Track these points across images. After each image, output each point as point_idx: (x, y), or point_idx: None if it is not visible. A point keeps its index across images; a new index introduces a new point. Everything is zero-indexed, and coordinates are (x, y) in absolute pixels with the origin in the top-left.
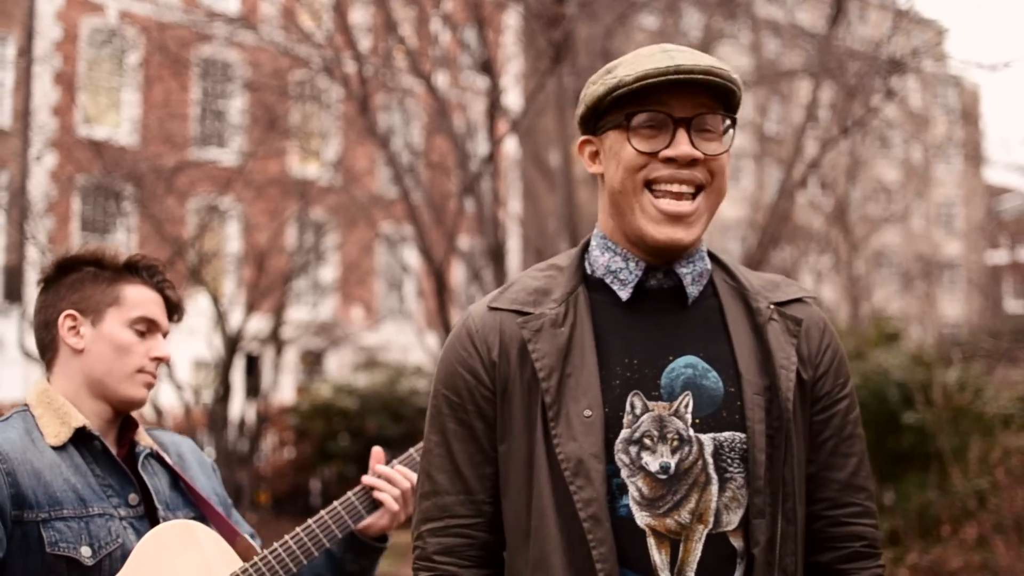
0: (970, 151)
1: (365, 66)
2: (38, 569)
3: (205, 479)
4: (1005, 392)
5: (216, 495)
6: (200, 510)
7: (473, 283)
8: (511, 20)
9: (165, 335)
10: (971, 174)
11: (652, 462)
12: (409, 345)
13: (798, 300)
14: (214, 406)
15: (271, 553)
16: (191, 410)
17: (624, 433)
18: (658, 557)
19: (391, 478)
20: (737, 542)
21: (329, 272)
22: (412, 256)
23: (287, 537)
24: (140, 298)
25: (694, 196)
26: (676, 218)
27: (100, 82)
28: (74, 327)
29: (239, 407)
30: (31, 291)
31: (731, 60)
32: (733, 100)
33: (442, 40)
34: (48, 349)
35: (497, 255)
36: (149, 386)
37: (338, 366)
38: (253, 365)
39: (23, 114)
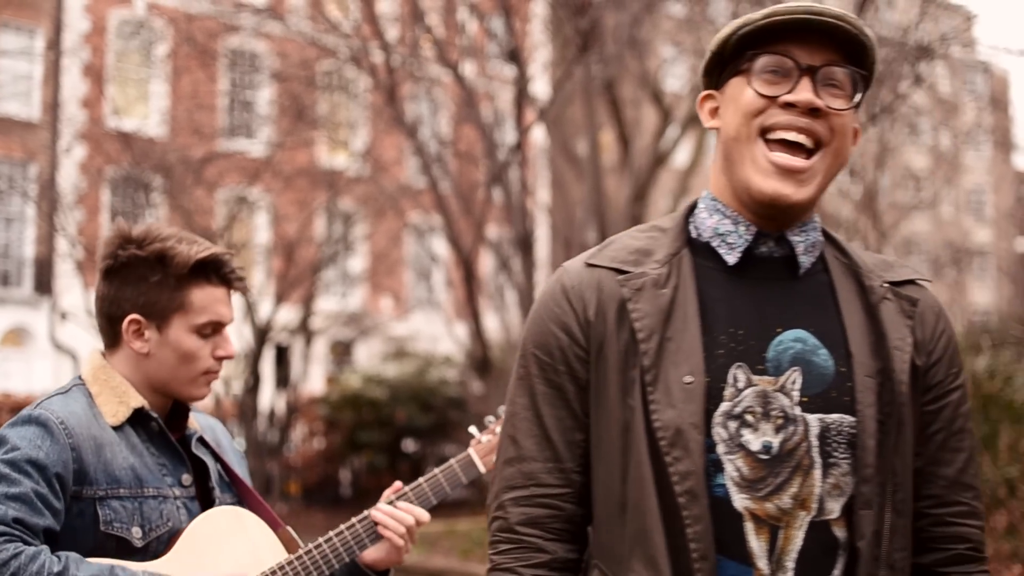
0: (999, 137)
1: (392, 56)
2: (88, 545)
3: (238, 466)
4: None
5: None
6: (242, 496)
7: (501, 272)
8: (538, 9)
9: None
10: (1001, 160)
11: (753, 440)
12: (438, 335)
13: (911, 282)
14: (244, 397)
15: (297, 560)
16: (221, 401)
17: (724, 406)
18: (756, 544)
19: (395, 516)
20: (840, 532)
21: (358, 262)
22: (441, 246)
23: (311, 546)
24: (207, 301)
25: (810, 154)
26: (787, 172)
27: (128, 74)
28: (138, 331)
29: (269, 398)
30: (61, 283)
31: None
32: (866, 59)
33: (469, 29)
34: (110, 338)
35: (525, 244)
36: (211, 383)
37: (367, 356)
38: (283, 356)
39: (52, 107)
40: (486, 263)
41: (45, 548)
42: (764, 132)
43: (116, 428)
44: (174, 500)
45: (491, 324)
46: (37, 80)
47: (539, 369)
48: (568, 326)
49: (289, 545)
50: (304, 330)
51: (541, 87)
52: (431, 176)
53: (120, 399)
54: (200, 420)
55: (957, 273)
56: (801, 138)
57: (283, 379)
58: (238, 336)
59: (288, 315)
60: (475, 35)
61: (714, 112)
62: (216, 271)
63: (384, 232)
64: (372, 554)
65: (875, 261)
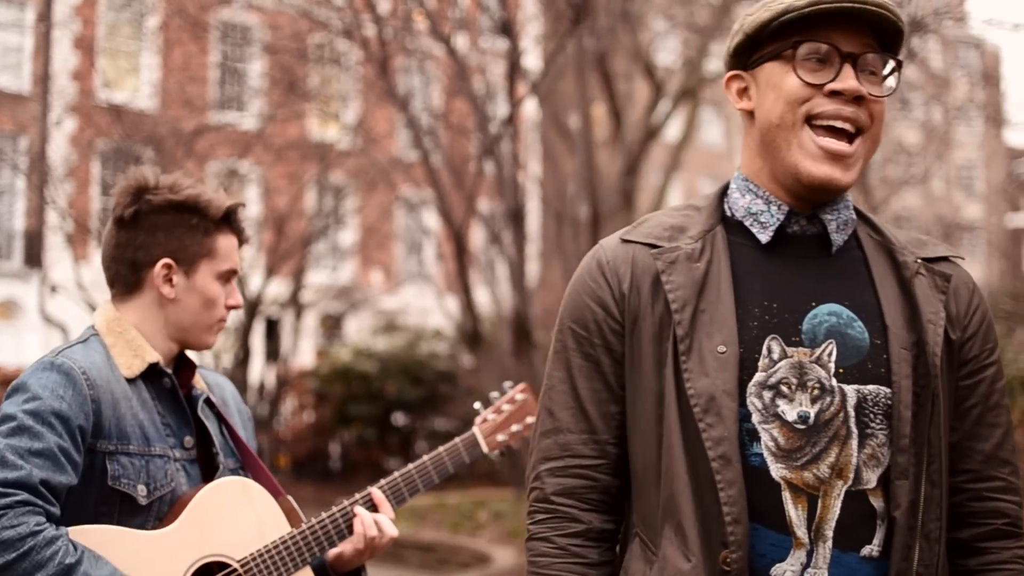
0: (991, 113)
1: (384, 29)
2: (94, 499)
3: (242, 429)
4: None
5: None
6: (245, 461)
7: (492, 245)
8: None
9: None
10: (992, 136)
11: (789, 411)
12: (429, 308)
13: (945, 259)
14: (234, 370)
15: (308, 529)
16: None
17: (759, 376)
18: (794, 513)
19: (379, 524)
20: (877, 502)
21: (349, 236)
22: (431, 219)
23: (314, 521)
24: (230, 248)
25: (852, 139)
26: (836, 157)
27: (119, 46)
28: (168, 276)
29: (259, 371)
30: (51, 256)
31: None
32: (897, 45)
33: (461, 2)
34: (127, 286)
35: (516, 217)
36: (220, 331)
37: (357, 330)
38: (273, 329)
39: (43, 79)
40: (477, 236)
41: (64, 534)
42: (809, 119)
43: (129, 381)
44: (175, 462)
45: (482, 297)
46: (27, 52)
47: (575, 343)
48: (603, 300)
49: (290, 515)
50: (294, 303)
51: (533, 60)
52: (422, 149)
53: (135, 352)
54: (209, 378)
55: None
56: (847, 126)
57: (273, 352)
58: None
59: (278, 288)
60: (467, 8)
61: (742, 93)
62: (237, 220)
63: (375, 205)
64: (337, 551)
65: (908, 238)
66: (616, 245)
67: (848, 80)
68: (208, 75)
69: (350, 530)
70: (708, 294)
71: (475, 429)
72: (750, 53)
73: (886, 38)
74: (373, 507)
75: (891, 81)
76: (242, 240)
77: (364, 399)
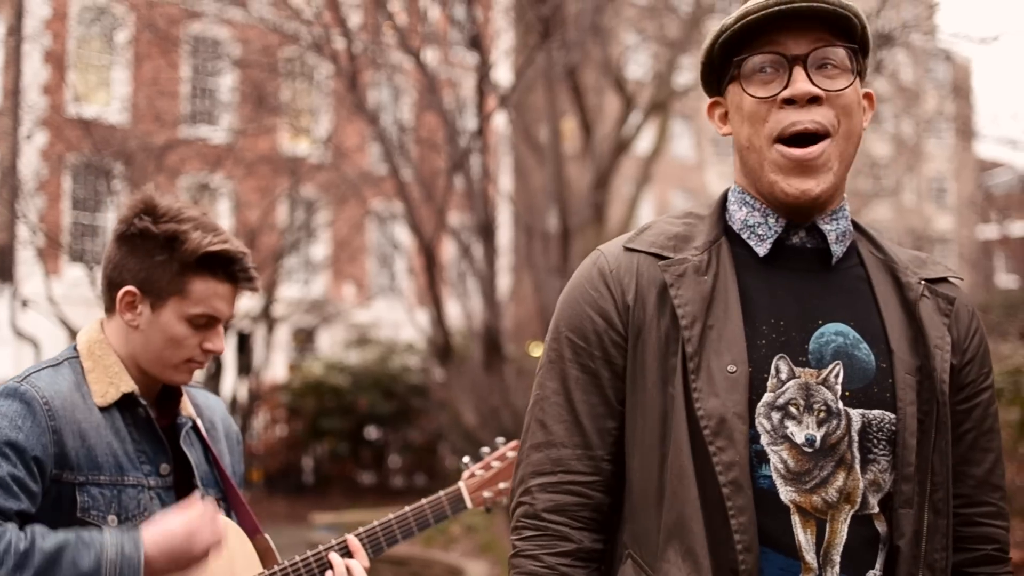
0: (961, 125)
1: (354, 43)
2: (62, 529)
3: (228, 454)
4: (996, 366)
5: (235, 473)
6: (226, 493)
7: (463, 259)
8: None
9: (228, 321)
10: (962, 148)
11: (797, 433)
12: (400, 322)
13: (944, 280)
14: (205, 384)
15: (280, 571)
16: None
17: (767, 397)
18: (803, 537)
19: (350, 571)
20: (880, 526)
21: (320, 249)
22: (402, 233)
23: (287, 563)
24: (206, 294)
25: (818, 140)
26: (803, 167)
27: (90, 60)
28: (132, 303)
29: (231, 385)
30: (22, 270)
31: None
32: (855, 31)
33: (431, 16)
34: (107, 302)
35: (487, 231)
36: (194, 371)
37: (330, 343)
38: (245, 343)
39: (13, 93)
40: (448, 250)
41: (11, 526)
42: (777, 140)
43: (103, 409)
44: (149, 490)
45: (453, 311)
46: None
47: (573, 353)
48: (606, 311)
49: (264, 555)
50: (266, 317)
51: (503, 74)
52: (392, 163)
53: (111, 380)
54: (199, 399)
55: None
56: (810, 128)
57: (245, 366)
58: None
59: (250, 302)
60: (437, 22)
61: (724, 118)
62: (224, 266)
63: (346, 219)
64: None
65: (909, 257)
66: (619, 253)
67: (797, 84)
68: (179, 89)
69: (322, 575)
70: (716, 310)
71: (461, 484)
72: (716, 80)
73: (839, 26)
74: (349, 554)
75: (843, 81)
76: (241, 288)
77: (336, 413)
